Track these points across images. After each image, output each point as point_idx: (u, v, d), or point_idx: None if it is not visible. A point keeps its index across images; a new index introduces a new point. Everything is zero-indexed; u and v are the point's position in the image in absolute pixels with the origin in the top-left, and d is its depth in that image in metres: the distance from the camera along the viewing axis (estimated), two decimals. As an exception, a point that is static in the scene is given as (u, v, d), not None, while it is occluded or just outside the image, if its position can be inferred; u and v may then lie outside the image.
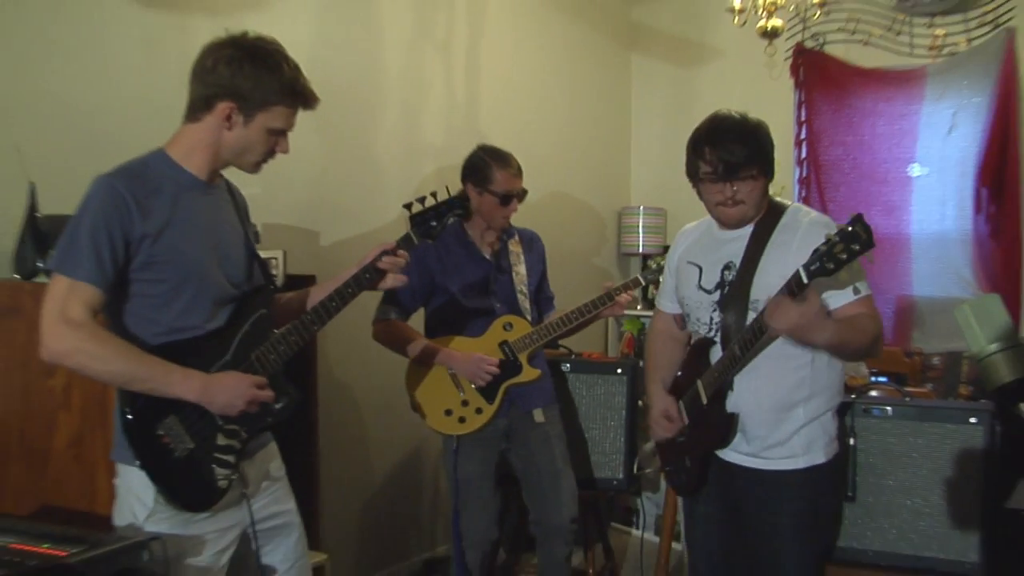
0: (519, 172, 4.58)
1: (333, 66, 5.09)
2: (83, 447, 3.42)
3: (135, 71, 4.19)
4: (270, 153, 3.00)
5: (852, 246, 2.87)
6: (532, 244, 4.83)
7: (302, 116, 3.04)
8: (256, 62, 2.86)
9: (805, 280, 2.97)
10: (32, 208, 3.56)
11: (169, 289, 2.87)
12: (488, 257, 4.64)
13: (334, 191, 5.12)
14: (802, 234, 3.26)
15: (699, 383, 3.47)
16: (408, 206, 3.33)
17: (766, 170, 3.33)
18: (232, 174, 3.12)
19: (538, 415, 4.65)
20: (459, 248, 4.57)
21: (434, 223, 3.31)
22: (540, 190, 6.36)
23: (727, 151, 3.27)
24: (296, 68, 2.94)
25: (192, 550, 2.89)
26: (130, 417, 2.83)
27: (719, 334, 3.40)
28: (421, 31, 5.65)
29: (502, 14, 6.16)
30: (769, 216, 3.38)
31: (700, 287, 3.46)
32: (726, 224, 3.42)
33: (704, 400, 3.45)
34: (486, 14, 6.04)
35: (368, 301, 3.85)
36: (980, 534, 3.95)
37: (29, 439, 3.54)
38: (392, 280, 3.22)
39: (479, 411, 4.50)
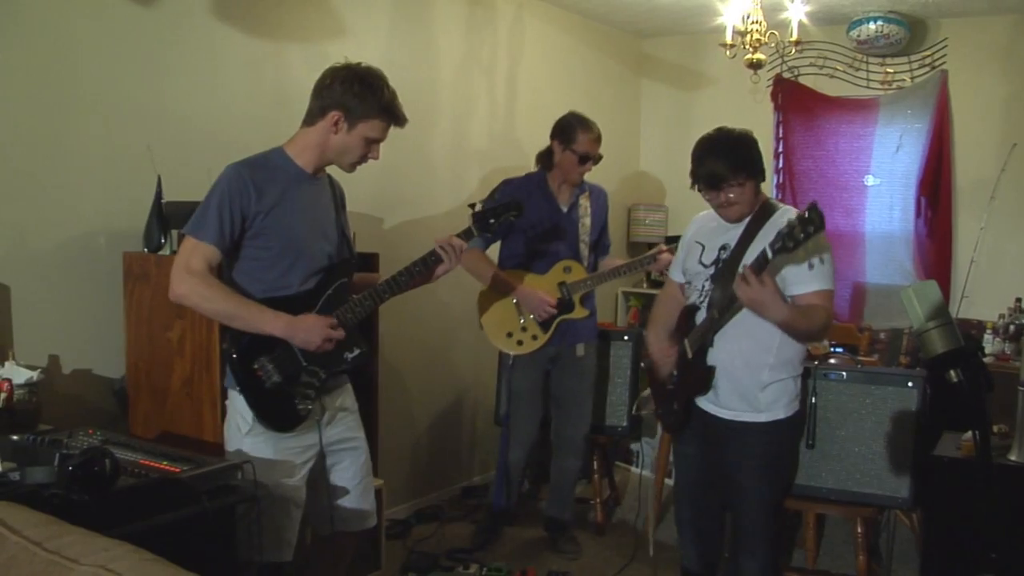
0: (599, 139, 4.58)
1: (397, 82, 4.97)
2: (192, 387, 3.49)
3: (240, 87, 4.23)
4: (364, 158, 3.13)
5: (807, 228, 2.91)
6: (599, 198, 4.81)
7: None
8: (363, 83, 3.02)
9: (770, 256, 3.02)
10: (159, 195, 3.59)
11: (273, 255, 3.01)
12: (562, 207, 4.63)
13: (396, 185, 5.13)
14: None
15: (685, 341, 3.48)
16: (472, 205, 3.38)
17: (752, 175, 3.30)
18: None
19: (579, 349, 4.72)
20: (540, 196, 4.54)
21: (492, 220, 3.33)
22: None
23: (713, 166, 3.29)
24: (394, 93, 3.10)
25: (279, 464, 3.03)
26: (234, 355, 2.98)
27: (706, 300, 3.41)
28: (470, 56, 5.65)
29: (536, 44, 6.15)
30: (763, 213, 3.37)
31: (700, 262, 3.47)
32: (728, 220, 3.40)
33: (689, 354, 3.46)
34: (524, 44, 6.04)
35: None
36: (911, 475, 3.98)
37: (153, 379, 3.62)
38: (447, 267, 3.26)
39: (535, 338, 4.57)
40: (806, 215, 2.93)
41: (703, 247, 3.49)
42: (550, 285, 4.57)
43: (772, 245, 3.02)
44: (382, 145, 3.16)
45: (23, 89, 3.53)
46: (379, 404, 4.60)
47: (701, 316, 3.44)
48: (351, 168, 3.16)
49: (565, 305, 4.57)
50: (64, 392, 3.64)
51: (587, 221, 4.67)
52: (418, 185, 5.30)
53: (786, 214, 3.33)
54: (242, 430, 3.04)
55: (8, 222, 3.52)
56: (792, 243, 2.96)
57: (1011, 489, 3.40)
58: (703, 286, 3.46)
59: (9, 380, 3.13)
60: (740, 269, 3.26)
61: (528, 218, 4.45)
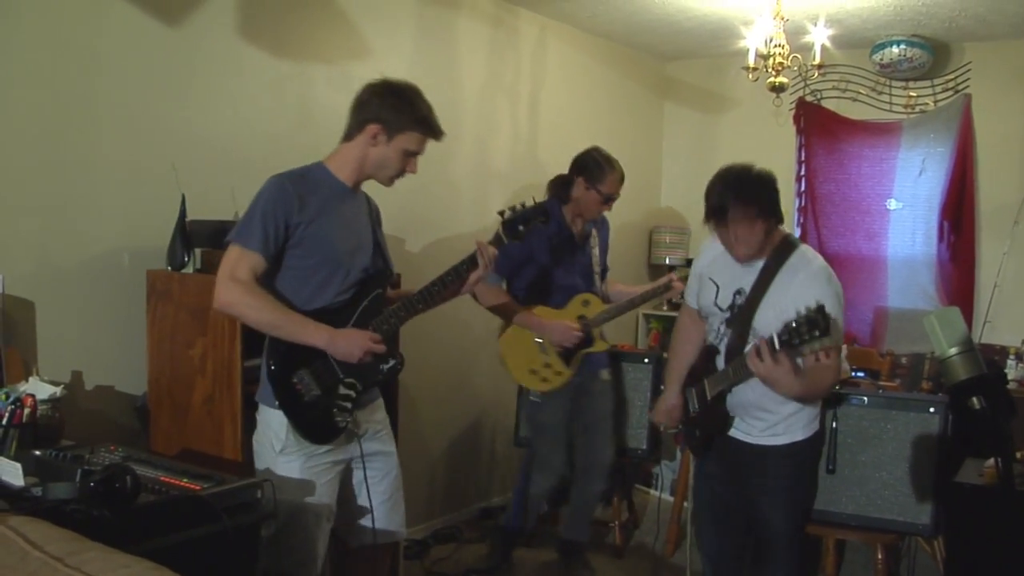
0: (623, 179, 4.58)
1: (421, 105, 5.15)
2: (213, 404, 3.50)
3: (264, 106, 4.26)
4: (402, 172, 3.17)
5: (813, 332, 2.85)
6: (604, 226, 4.81)
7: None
8: (399, 96, 3.09)
9: (777, 346, 2.95)
10: (182, 214, 3.61)
11: (311, 266, 3.05)
12: (576, 239, 4.61)
13: (419, 206, 5.13)
14: (800, 281, 3.19)
15: (706, 382, 3.46)
16: (502, 212, 3.39)
17: (762, 213, 3.18)
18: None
19: (604, 374, 4.71)
20: (556, 228, 4.49)
21: (521, 227, 3.37)
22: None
23: (721, 198, 3.20)
24: (429, 106, 3.14)
25: (312, 481, 3.07)
26: (273, 367, 3.02)
27: (723, 345, 3.38)
28: (493, 79, 5.67)
29: (559, 66, 6.17)
30: (780, 253, 3.28)
31: (716, 304, 3.42)
32: (736, 259, 3.31)
33: (708, 397, 3.46)
34: (546, 66, 6.06)
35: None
36: (932, 502, 3.95)
37: (174, 396, 3.63)
38: (481, 273, 3.28)
39: (558, 373, 4.51)
40: (813, 316, 2.86)
41: (717, 288, 3.43)
42: (570, 319, 4.51)
43: (780, 336, 2.95)
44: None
45: (48, 107, 3.56)
46: (399, 425, 4.61)
47: (720, 360, 3.42)
48: (390, 182, 3.21)
49: (586, 339, 4.51)
50: (86, 408, 3.65)
51: (597, 252, 4.67)
52: (441, 206, 5.31)
53: (804, 259, 3.28)
54: (275, 448, 3.06)
55: (33, 239, 3.55)
56: (798, 341, 2.90)
57: (1034, 517, 3.37)
58: (719, 328, 3.43)
59: (33, 396, 3.13)
60: (754, 321, 3.26)
61: (543, 251, 4.48)
